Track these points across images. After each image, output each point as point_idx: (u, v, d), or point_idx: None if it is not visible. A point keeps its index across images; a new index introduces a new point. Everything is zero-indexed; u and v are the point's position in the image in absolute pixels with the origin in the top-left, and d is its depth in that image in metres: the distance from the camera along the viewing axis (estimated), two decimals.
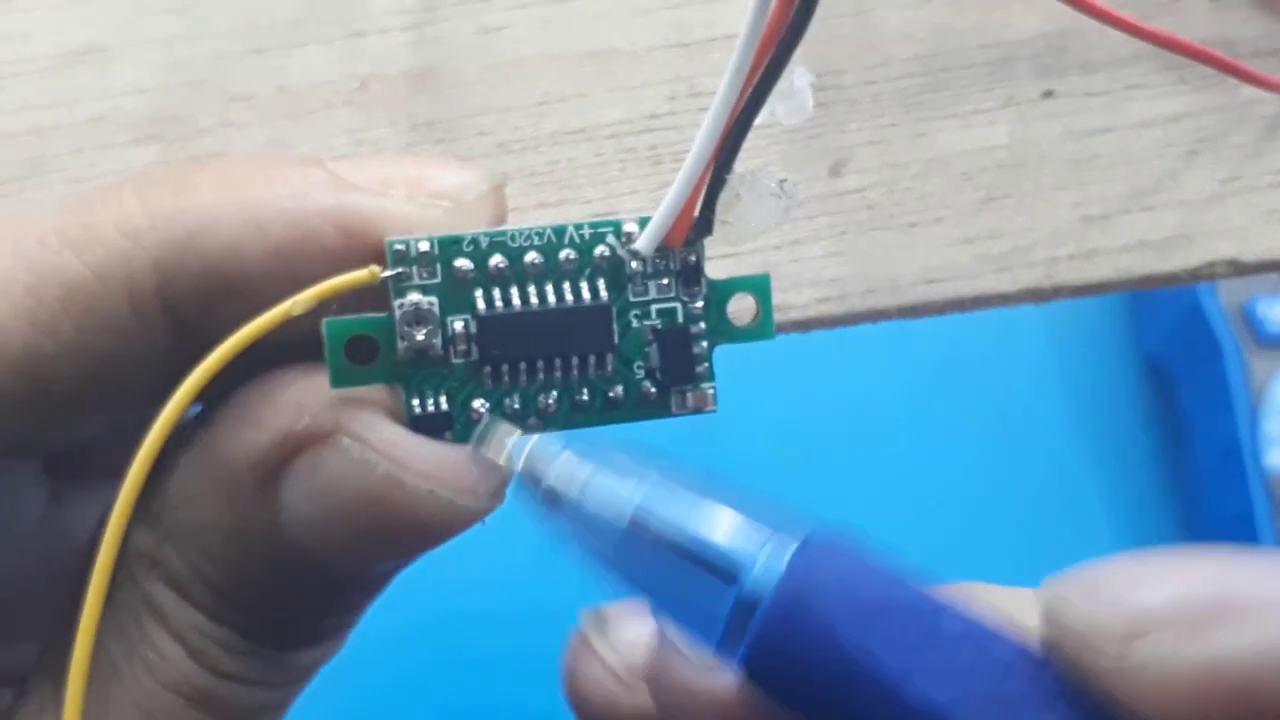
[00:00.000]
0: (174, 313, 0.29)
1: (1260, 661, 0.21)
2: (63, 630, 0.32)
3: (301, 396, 0.29)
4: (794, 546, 0.24)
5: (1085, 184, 0.37)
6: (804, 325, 0.36)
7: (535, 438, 0.28)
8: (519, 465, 0.28)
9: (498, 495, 0.30)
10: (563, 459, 0.27)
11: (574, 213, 0.36)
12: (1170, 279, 0.37)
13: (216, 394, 0.29)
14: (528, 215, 0.36)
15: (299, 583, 0.31)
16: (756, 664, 0.24)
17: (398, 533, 0.30)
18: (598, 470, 0.27)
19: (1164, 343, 0.76)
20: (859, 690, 0.23)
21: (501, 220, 0.30)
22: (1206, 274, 0.37)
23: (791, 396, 0.72)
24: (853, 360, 0.74)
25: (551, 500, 0.27)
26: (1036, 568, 0.75)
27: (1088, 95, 0.37)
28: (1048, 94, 0.37)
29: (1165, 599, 0.22)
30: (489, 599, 0.69)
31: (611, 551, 0.26)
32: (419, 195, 0.30)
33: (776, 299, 0.31)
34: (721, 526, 0.25)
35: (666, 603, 0.26)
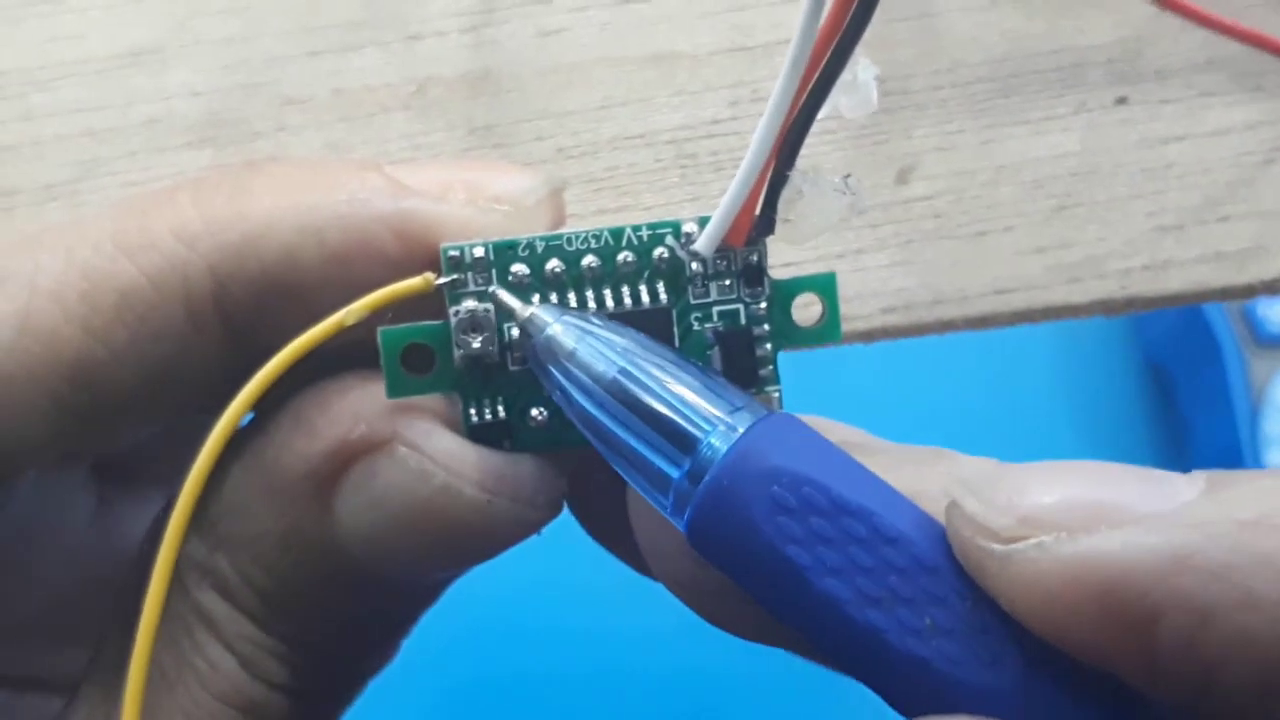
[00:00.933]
0: (229, 319, 0.29)
1: (1126, 563, 0.22)
2: (110, 638, 0.32)
3: (357, 405, 0.29)
4: (744, 428, 0.26)
5: (1159, 193, 0.36)
6: (868, 336, 0.36)
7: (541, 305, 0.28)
8: (524, 314, 0.28)
9: (555, 505, 0.30)
10: (565, 318, 0.28)
11: (634, 218, 0.35)
12: (1247, 291, 0.36)
13: (270, 402, 0.29)
14: (586, 222, 0.35)
15: (352, 593, 0.30)
16: (695, 532, 0.26)
17: (455, 544, 0.29)
18: (593, 335, 0.27)
19: (1164, 343, 0.76)
20: (773, 569, 0.25)
21: (559, 225, 0.30)
22: None
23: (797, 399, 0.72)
24: (853, 358, 0.74)
25: (546, 353, 0.28)
26: None
27: (1162, 102, 0.37)
28: (1121, 100, 0.37)
29: (1050, 503, 0.24)
30: (518, 614, 0.69)
31: (588, 410, 0.27)
32: (478, 199, 0.29)
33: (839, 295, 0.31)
34: (688, 401, 0.26)
35: (633, 463, 0.27)
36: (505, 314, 0.28)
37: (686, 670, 0.68)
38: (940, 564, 0.25)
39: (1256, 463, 0.67)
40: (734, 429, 0.26)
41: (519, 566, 0.64)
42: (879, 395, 0.74)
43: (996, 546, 0.24)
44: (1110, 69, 0.37)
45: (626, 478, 0.28)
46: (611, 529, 0.31)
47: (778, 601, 0.25)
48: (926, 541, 0.25)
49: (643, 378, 0.27)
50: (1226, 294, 0.36)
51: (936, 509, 0.25)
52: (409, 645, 0.35)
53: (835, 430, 0.28)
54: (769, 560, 0.25)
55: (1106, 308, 0.36)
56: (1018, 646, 0.24)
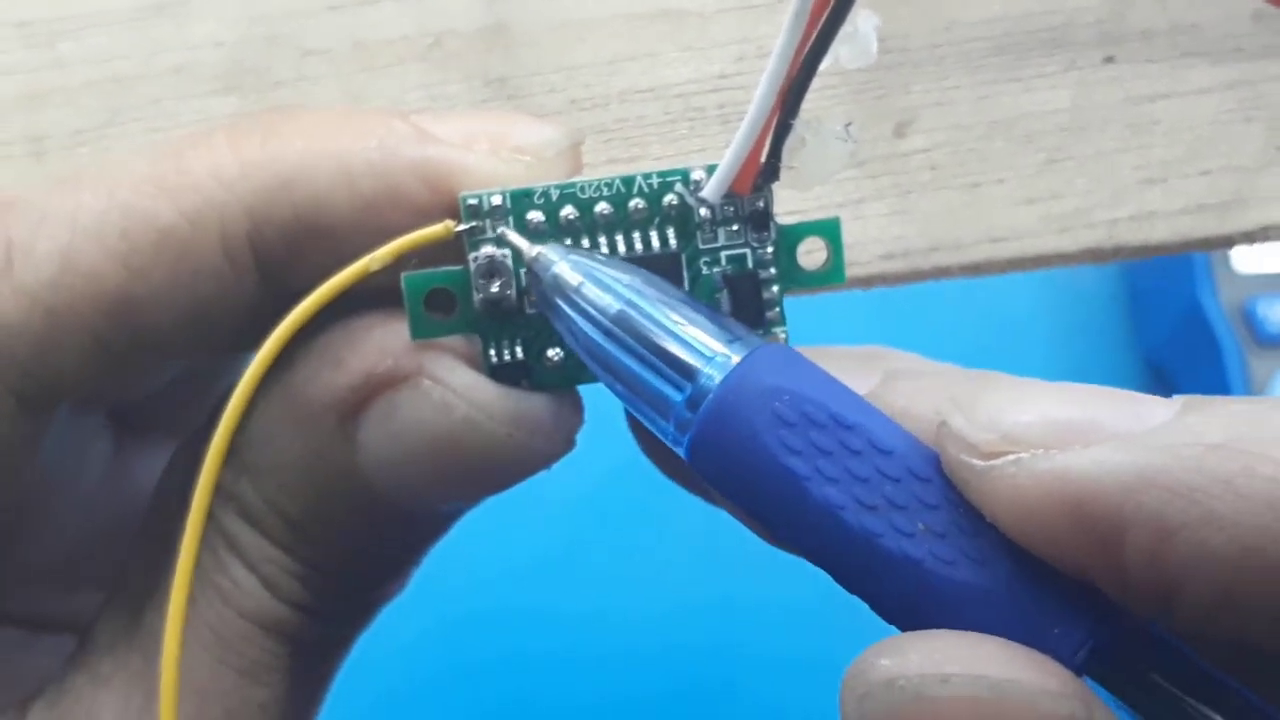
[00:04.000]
0: (262, 259, 0.30)
1: (1095, 479, 0.24)
2: (127, 578, 0.33)
3: (383, 340, 0.30)
4: (742, 356, 0.27)
5: (1145, 148, 0.37)
6: (867, 282, 0.37)
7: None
8: (532, 253, 0.29)
9: (569, 440, 0.31)
10: (571, 256, 0.29)
11: (643, 169, 0.36)
12: (1226, 241, 0.37)
13: (298, 341, 0.30)
14: (598, 172, 0.36)
15: (371, 519, 0.31)
16: (696, 454, 0.27)
17: (472, 473, 0.31)
18: (598, 272, 0.29)
19: (1164, 343, 0.76)
20: (774, 481, 0.26)
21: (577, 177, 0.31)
22: (1261, 237, 0.37)
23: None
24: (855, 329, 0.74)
25: (554, 289, 0.29)
26: None
27: (1147, 61, 0.38)
28: (1109, 60, 0.38)
29: (1028, 421, 0.25)
30: (501, 598, 0.70)
31: (595, 340, 0.28)
32: (501, 150, 0.30)
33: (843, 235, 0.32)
34: (690, 332, 0.28)
35: (636, 392, 0.28)
36: (515, 254, 0.30)
37: (686, 650, 0.69)
38: (932, 475, 0.26)
39: None
40: (733, 356, 0.27)
41: (476, 554, 0.65)
42: None
43: (978, 462, 0.25)
44: (1099, 29, 0.38)
45: (630, 407, 0.29)
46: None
47: (777, 513, 0.27)
48: (919, 455, 0.26)
49: (647, 308, 0.28)
50: (1208, 244, 0.38)
51: (927, 428, 0.27)
52: (413, 625, 0.35)
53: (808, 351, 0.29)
54: (770, 472, 0.26)
55: (1095, 256, 0.37)
56: (1006, 551, 0.25)
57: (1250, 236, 0.37)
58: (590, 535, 0.71)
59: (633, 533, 0.71)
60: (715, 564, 0.69)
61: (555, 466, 0.31)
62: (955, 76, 0.37)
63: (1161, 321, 0.76)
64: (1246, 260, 0.71)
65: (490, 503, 0.33)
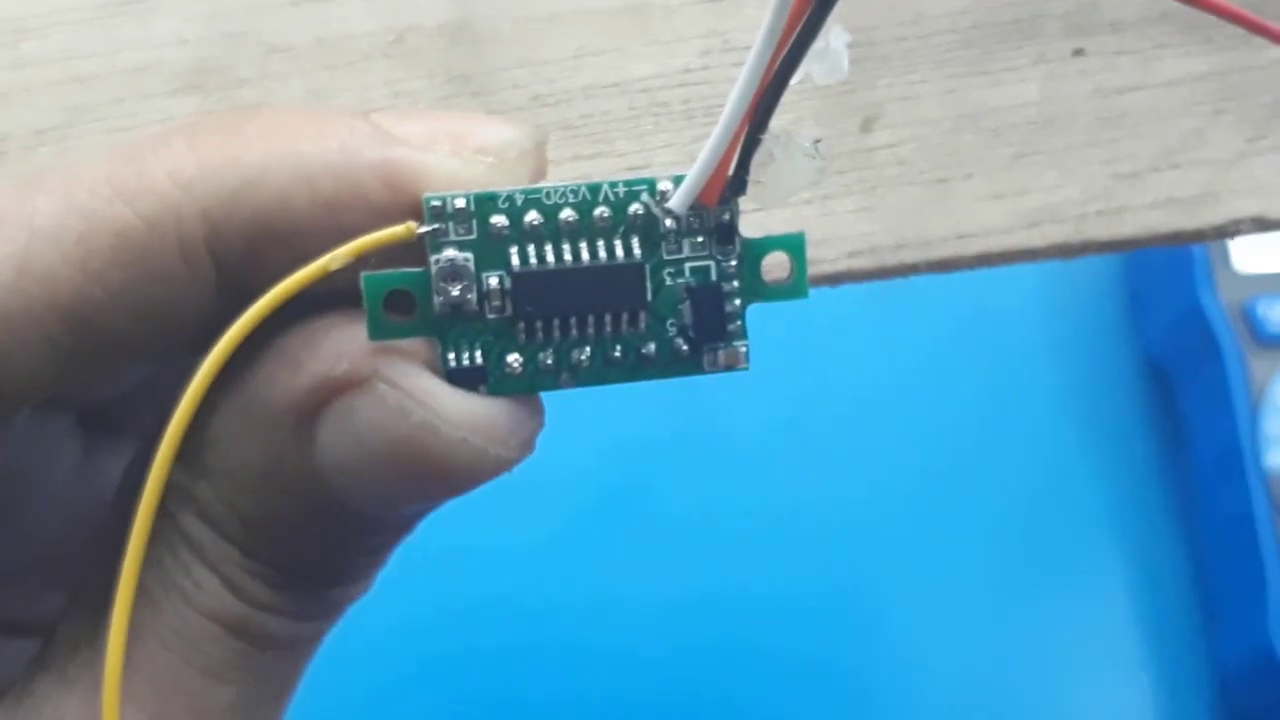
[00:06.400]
0: (221, 262, 0.29)
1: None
2: (90, 578, 0.32)
3: (340, 343, 0.29)
4: None
5: (1114, 141, 0.37)
6: (834, 279, 0.37)
7: None
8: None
9: (528, 445, 0.31)
10: None
11: (608, 164, 0.36)
12: (1197, 235, 0.37)
13: (254, 341, 0.30)
14: (563, 167, 0.36)
15: (331, 522, 0.31)
16: None
17: (430, 478, 0.30)
18: None
19: (1164, 343, 0.76)
20: None
21: (541, 178, 0.31)
22: (1232, 231, 0.37)
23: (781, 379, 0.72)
24: (848, 353, 0.74)
25: None
26: (1035, 567, 0.76)
27: (1117, 54, 0.38)
28: (1078, 52, 0.37)
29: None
30: (489, 590, 0.70)
31: None
32: (463, 151, 0.30)
33: (807, 254, 0.31)
34: None
35: None
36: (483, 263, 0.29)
37: (678, 644, 0.69)
38: None
39: (1256, 463, 0.67)
40: None
41: (463, 546, 0.65)
42: (878, 395, 0.75)
43: None
44: (1067, 21, 0.38)
45: None
46: None
47: None
48: None
49: None
50: (1178, 238, 0.37)
51: None
52: (357, 629, 0.35)
53: None
54: None
55: (1063, 251, 0.37)
56: None
57: (1221, 231, 0.37)
58: (578, 526, 0.71)
59: (622, 524, 0.71)
60: (708, 556, 0.70)
61: (541, 456, 0.31)
62: (922, 70, 0.37)
63: (1161, 321, 0.76)
64: (1247, 260, 0.71)
65: (473, 493, 0.33)
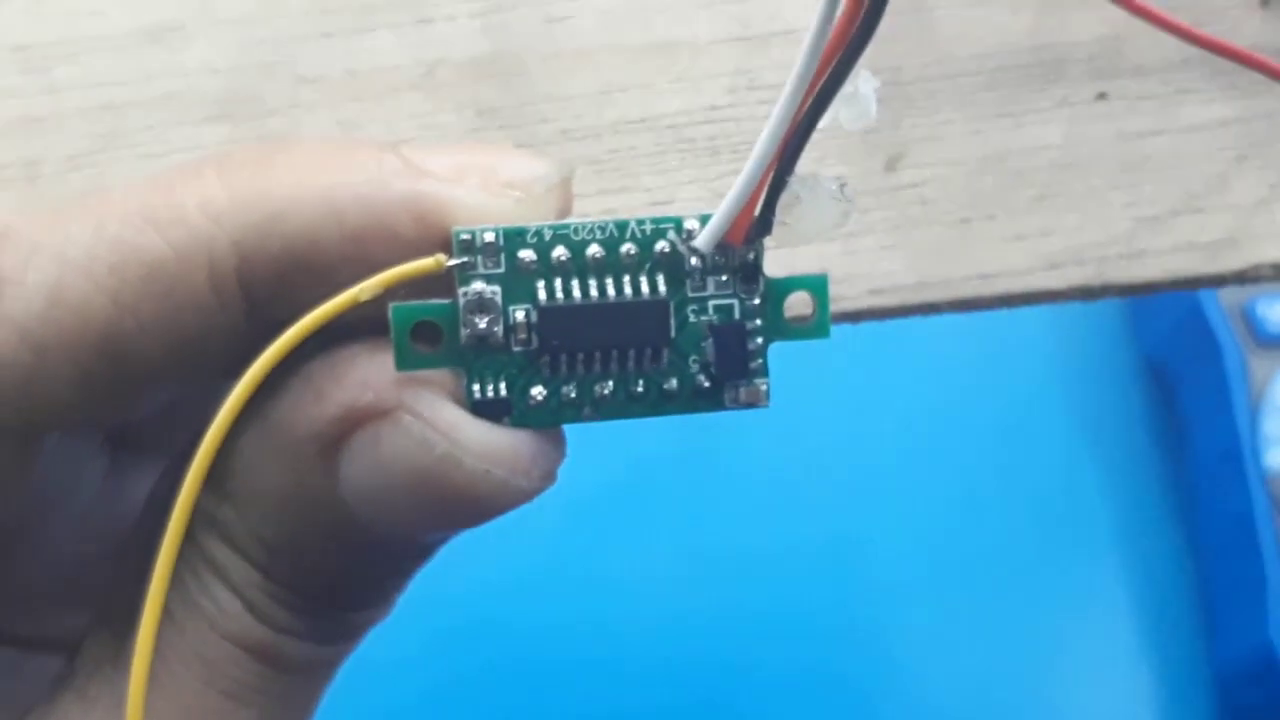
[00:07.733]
0: (250, 293, 0.29)
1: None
2: (115, 598, 0.33)
3: (366, 373, 0.30)
4: None
5: (1136, 185, 0.38)
6: (855, 317, 0.37)
7: None
8: None
9: (549, 477, 0.31)
10: None
11: (634, 199, 0.36)
12: (1217, 280, 0.38)
13: (282, 370, 0.30)
14: (589, 201, 0.37)
15: (353, 548, 0.31)
16: None
17: (452, 509, 0.30)
18: None
19: (1164, 343, 0.76)
20: None
21: (567, 212, 0.31)
22: (1253, 276, 0.38)
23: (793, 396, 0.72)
24: (848, 359, 0.74)
25: None
26: (1035, 567, 0.75)
27: (1140, 98, 0.38)
28: (1101, 96, 0.38)
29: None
30: (495, 610, 0.70)
31: None
32: (491, 185, 0.30)
33: (829, 290, 0.32)
34: None
35: None
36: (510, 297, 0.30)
37: (680, 662, 0.69)
38: None
39: (1256, 463, 0.67)
40: None
41: (482, 562, 0.65)
42: (877, 395, 0.75)
43: None
44: (1091, 65, 0.38)
45: None
46: None
47: None
48: None
49: None
50: (1198, 282, 0.38)
51: None
52: (408, 639, 0.35)
53: None
54: None
55: (1084, 293, 0.37)
56: None
57: (1242, 276, 0.37)
58: (582, 547, 0.71)
59: (626, 544, 0.71)
60: (710, 575, 0.70)
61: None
62: (946, 111, 0.37)
63: (1161, 321, 0.76)
64: None
65: None
